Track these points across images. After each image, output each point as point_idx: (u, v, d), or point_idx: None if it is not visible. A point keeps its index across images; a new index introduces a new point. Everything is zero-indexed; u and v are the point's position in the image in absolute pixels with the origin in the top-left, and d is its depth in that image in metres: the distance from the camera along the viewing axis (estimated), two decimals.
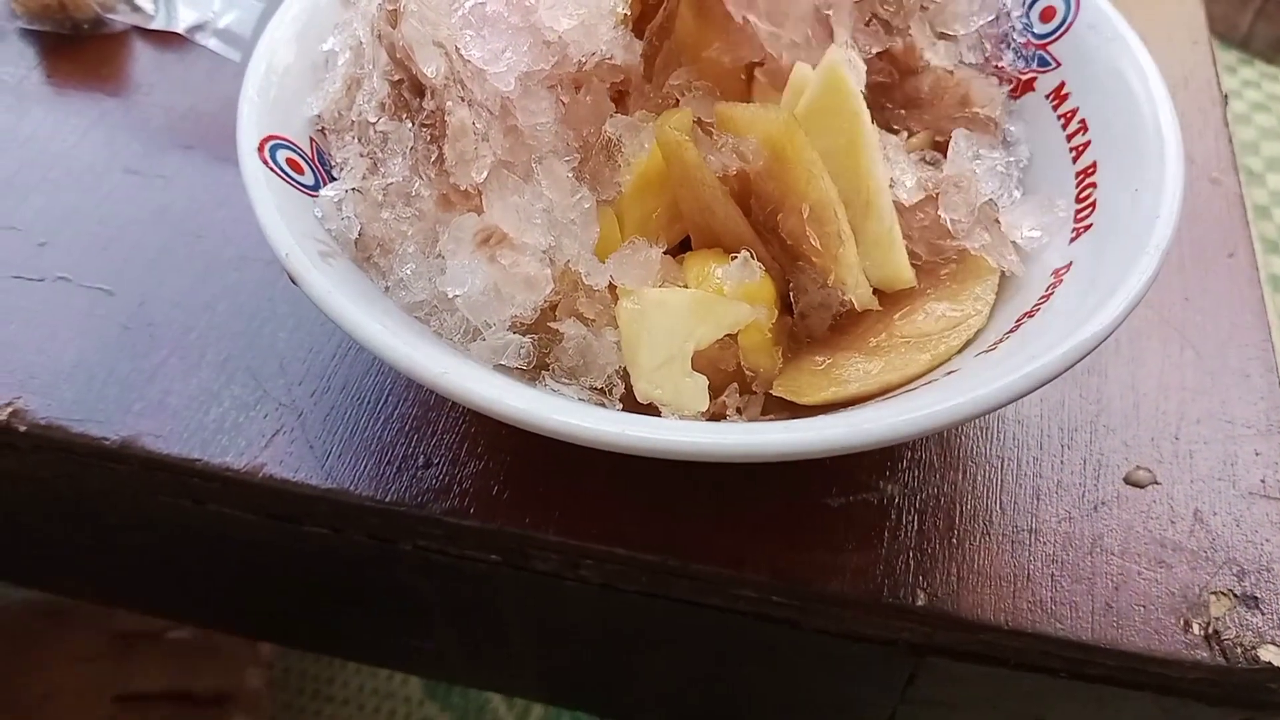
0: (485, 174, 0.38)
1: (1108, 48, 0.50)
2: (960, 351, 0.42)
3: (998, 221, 0.44)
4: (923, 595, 0.47)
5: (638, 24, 0.48)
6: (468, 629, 0.60)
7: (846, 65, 0.43)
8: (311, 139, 0.48)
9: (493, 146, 0.39)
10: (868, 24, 0.46)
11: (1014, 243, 0.44)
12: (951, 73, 0.49)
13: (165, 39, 0.71)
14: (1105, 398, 0.54)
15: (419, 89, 0.38)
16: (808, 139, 0.41)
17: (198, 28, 0.66)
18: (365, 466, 0.50)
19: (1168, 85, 0.70)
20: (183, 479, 0.52)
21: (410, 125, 0.39)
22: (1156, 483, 0.51)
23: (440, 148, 0.38)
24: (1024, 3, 0.53)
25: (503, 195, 0.38)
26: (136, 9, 0.66)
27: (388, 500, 0.49)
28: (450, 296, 0.39)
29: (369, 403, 0.53)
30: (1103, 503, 0.50)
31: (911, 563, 0.48)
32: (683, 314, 0.39)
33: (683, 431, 0.35)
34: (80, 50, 0.71)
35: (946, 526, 0.49)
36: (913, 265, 0.44)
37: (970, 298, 0.43)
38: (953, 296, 0.43)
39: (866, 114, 0.43)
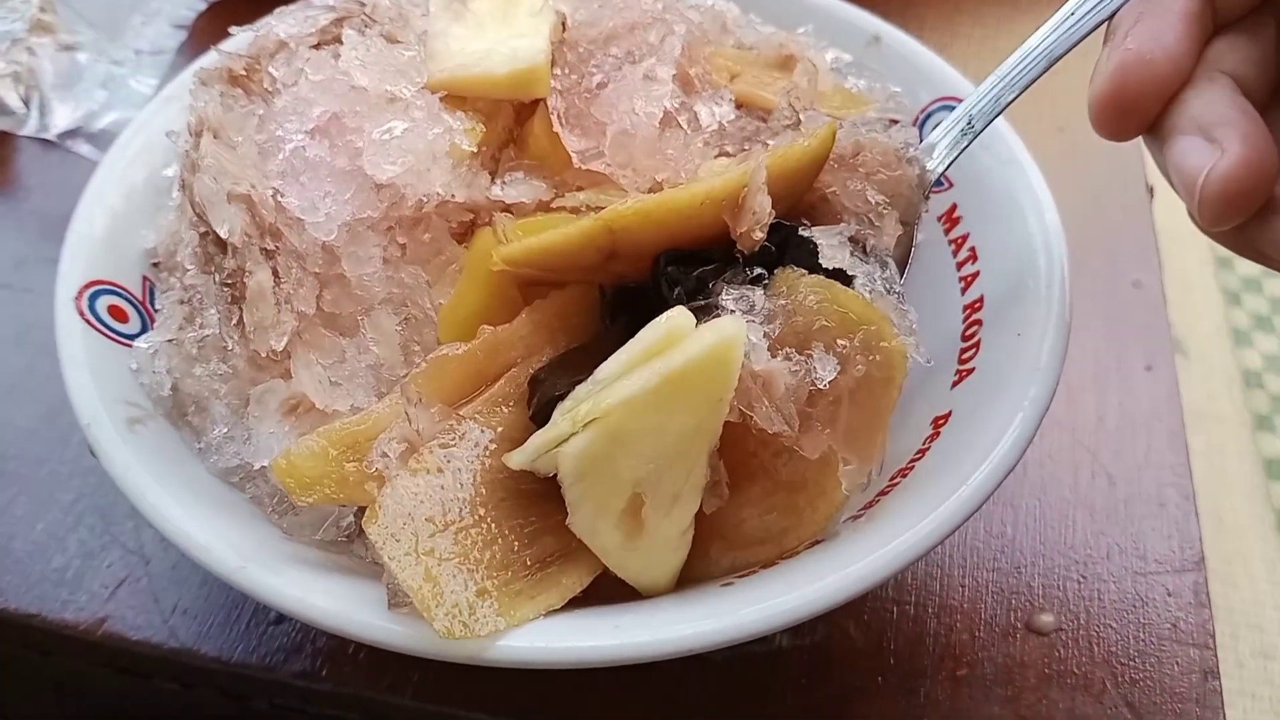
0: (284, 341, 0.35)
1: (1002, 171, 0.47)
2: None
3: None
4: None
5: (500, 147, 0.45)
6: None
7: (743, 343, 0.35)
8: (145, 277, 0.44)
9: (299, 305, 0.36)
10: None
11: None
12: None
13: (47, 139, 0.67)
14: (1010, 530, 0.51)
15: (222, 244, 0.36)
16: None
17: (72, 133, 0.63)
18: (212, 621, 0.47)
19: (1092, 179, 0.68)
20: (25, 634, 0.48)
21: (215, 281, 0.36)
22: (1060, 629, 0.47)
23: (241, 310, 0.35)
24: (917, 118, 0.50)
25: (308, 364, 0.35)
26: (9, 112, 0.63)
27: (234, 660, 0.46)
28: (257, 468, 0.35)
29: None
30: (1004, 651, 0.47)
31: None
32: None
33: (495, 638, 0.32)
34: None
35: (839, 683, 0.46)
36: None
37: (794, 532, 0.38)
38: (776, 530, 0.39)
39: (727, 406, 0.35)
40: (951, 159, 0.43)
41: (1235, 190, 0.33)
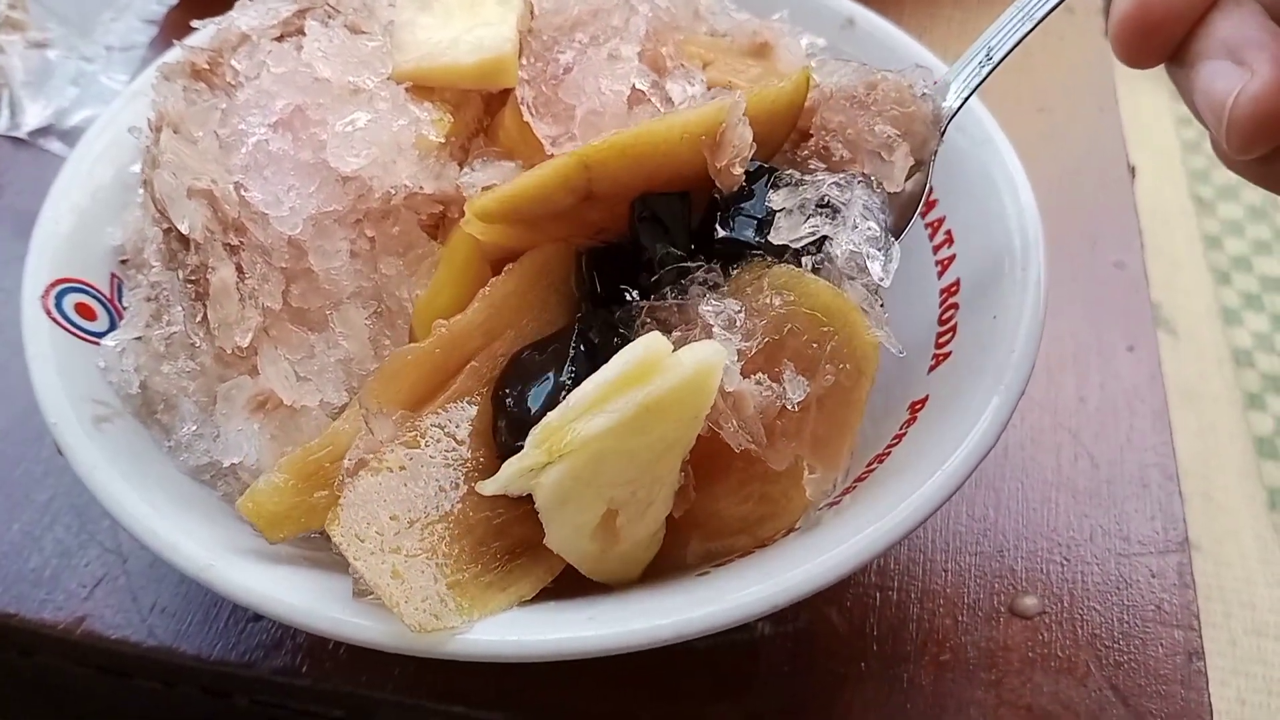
0: (249, 337, 0.35)
1: (977, 152, 0.47)
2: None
3: None
4: None
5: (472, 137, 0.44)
6: None
7: (722, 368, 0.35)
8: (113, 275, 0.44)
9: (264, 301, 0.35)
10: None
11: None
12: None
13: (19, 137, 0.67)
14: (993, 514, 0.50)
15: (185, 241, 0.35)
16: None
17: (43, 130, 0.62)
18: (191, 619, 0.47)
19: (1071, 157, 0.68)
20: (3, 633, 0.48)
21: (179, 278, 0.36)
22: (1043, 612, 0.47)
23: (205, 306, 0.35)
24: None
25: (275, 360, 0.35)
26: None
27: (213, 658, 0.46)
28: (226, 466, 0.35)
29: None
30: (986, 636, 0.47)
31: (780, 715, 0.44)
32: None
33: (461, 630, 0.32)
34: None
35: (821, 669, 0.46)
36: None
37: (770, 522, 0.39)
38: (753, 519, 0.39)
39: (702, 422, 0.35)
40: (969, 94, 0.43)
41: (1265, 113, 0.31)
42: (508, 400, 0.36)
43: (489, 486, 0.35)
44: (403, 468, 0.34)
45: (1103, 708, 0.44)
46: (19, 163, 0.66)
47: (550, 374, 0.36)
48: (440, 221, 0.41)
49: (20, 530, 0.50)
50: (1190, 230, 1.32)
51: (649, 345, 0.34)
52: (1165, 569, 0.49)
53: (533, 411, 0.35)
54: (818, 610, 0.47)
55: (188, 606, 0.47)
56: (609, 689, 0.44)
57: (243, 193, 0.36)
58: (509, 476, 0.34)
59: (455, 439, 0.35)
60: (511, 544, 0.35)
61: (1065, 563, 0.49)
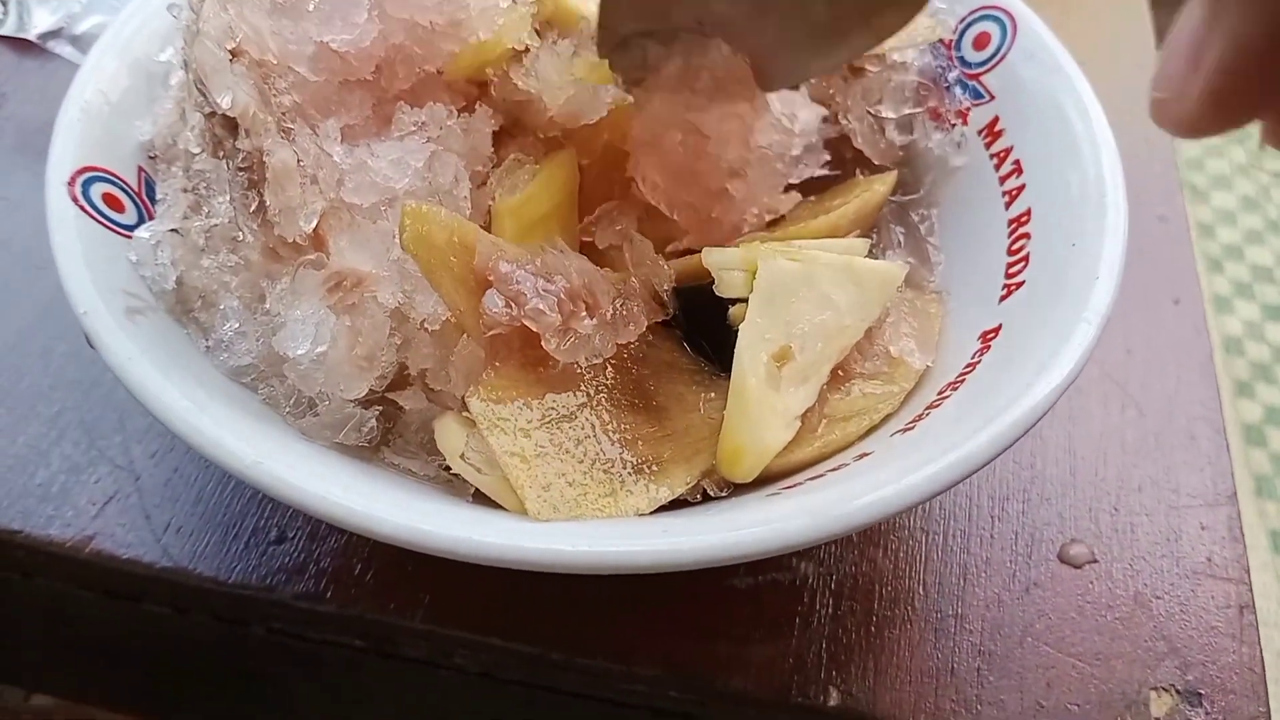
0: (314, 223, 0.32)
1: (1046, 80, 0.45)
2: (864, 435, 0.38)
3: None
4: (835, 694, 0.42)
5: None
6: (336, 717, 0.54)
7: (900, 278, 0.41)
8: (140, 169, 0.41)
9: (323, 189, 0.33)
10: None
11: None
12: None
13: (24, 44, 0.64)
14: (1040, 463, 0.49)
15: (231, 125, 0.32)
16: None
17: (53, 34, 0.59)
18: (208, 540, 0.44)
19: (1110, 113, 0.66)
20: (7, 551, 0.45)
21: (228, 166, 0.33)
22: (1093, 560, 0.46)
23: (260, 194, 0.32)
24: (956, 29, 0.48)
25: (352, 231, 0.32)
26: None
27: (231, 581, 0.43)
28: (292, 357, 0.33)
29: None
30: (1035, 584, 0.45)
31: (824, 655, 0.43)
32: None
33: (531, 538, 0.30)
34: None
35: (865, 611, 0.44)
36: None
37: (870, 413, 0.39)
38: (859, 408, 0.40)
39: (873, 320, 0.40)
40: None
41: None
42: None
43: (715, 256, 0.37)
44: (546, 373, 0.35)
45: (1157, 659, 0.43)
46: (25, 71, 0.63)
47: None
48: (509, 129, 0.39)
49: (26, 444, 0.47)
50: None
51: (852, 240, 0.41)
52: (1215, 522, 0.48)
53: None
54: (862, 552, 0.46)
55: (205, 526, 0.45)
56: (646, 628, 0.42)
57: (294, 66, 0.33)
58: (734, 257, 0.37)
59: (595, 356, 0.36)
60: (636, 459, 0.35)
61: (1115, 513, 0.48)
